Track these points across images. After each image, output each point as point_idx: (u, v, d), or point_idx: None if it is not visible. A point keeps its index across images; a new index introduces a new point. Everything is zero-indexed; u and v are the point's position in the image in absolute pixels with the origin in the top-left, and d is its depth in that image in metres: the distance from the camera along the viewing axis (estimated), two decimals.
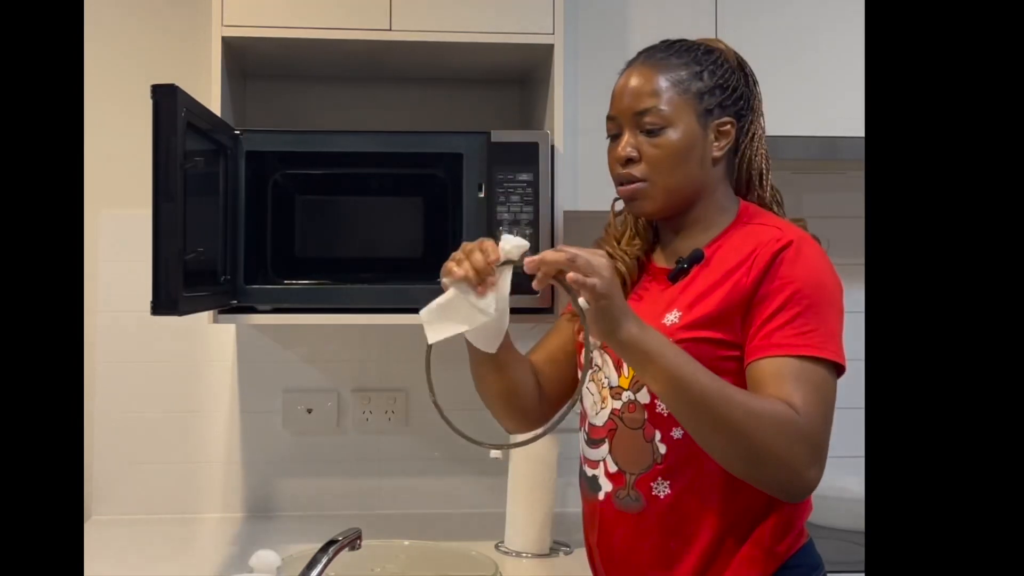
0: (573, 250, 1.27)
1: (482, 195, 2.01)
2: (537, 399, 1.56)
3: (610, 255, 1.47)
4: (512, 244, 1.32)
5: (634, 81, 1.47)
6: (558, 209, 2.05)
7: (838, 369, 1.34)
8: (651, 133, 1.45)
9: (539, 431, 1.40)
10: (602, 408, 1.48)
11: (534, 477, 2.11)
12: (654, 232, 1.56)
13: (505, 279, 1.33)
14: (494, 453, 1.40)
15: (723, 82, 1.47)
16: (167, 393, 2.38)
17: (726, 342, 1.37)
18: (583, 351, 1.37)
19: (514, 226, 2.01)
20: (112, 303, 2.36)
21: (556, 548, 2.13)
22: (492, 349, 1.43)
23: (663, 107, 1.44)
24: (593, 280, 1.24)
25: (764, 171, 1.52)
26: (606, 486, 1.46)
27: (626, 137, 1.47)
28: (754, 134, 1.51)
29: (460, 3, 2.05)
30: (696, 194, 1.47)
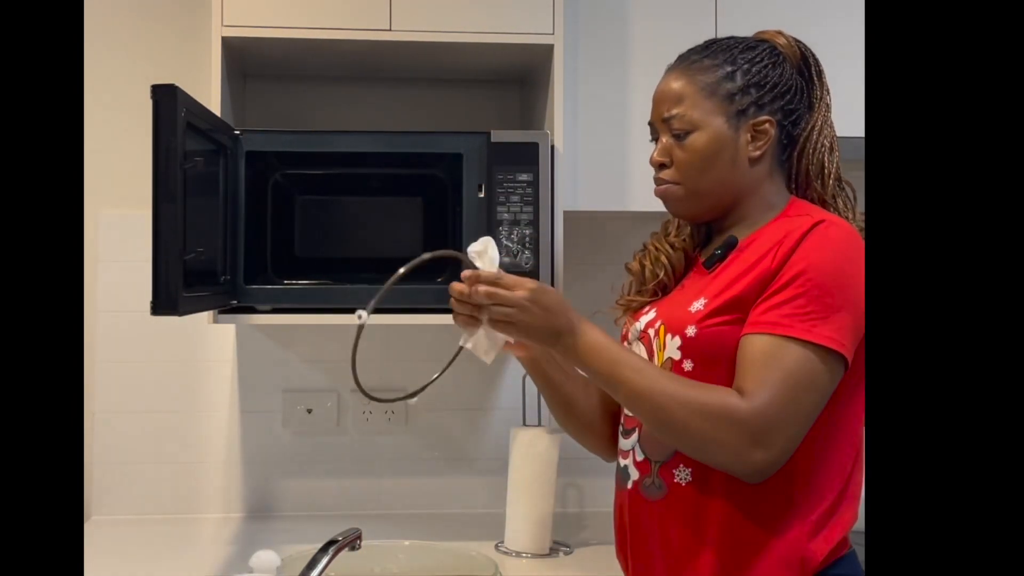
0: (492, 282, 1.38)
1: (482, 195, 2.01)
2: (598, 411, 1.59)
3: (656, 248, 1.56)
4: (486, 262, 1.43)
5: (665, 86, 1.49)
6: (558, 209, 2.05)
7: (833, 356, 1.32)
8: (679, 137, 1.46)
9: (411, 392, 1.48)
10: None
11: (534, 477, 2.11)
12: (707, 230, 1.56)
13: None
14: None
15: (759, 79, 1.46)
16: (167, 393, 2.38)
17: (743, 323, 1.37)
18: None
19: (514, 226, 2.01)
20: (112, 303, 2.36)
21: (556, 548, 2.13)
22: (488, 360, 1.45)
23: (689, 111, 1.45)
24: (507, 311, 1.36)
25: (825, 167, 1.49)
26: (634, 475, 1.47)
27: (661, 142, 1.50)
28: (813, 127, 1.49)
29: (460, 3, 2.05)
30: (735, 195, 1.47)
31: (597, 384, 1.42)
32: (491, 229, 2.00)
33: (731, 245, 1.46)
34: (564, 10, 2.08)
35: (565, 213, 2.09)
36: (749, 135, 1.45)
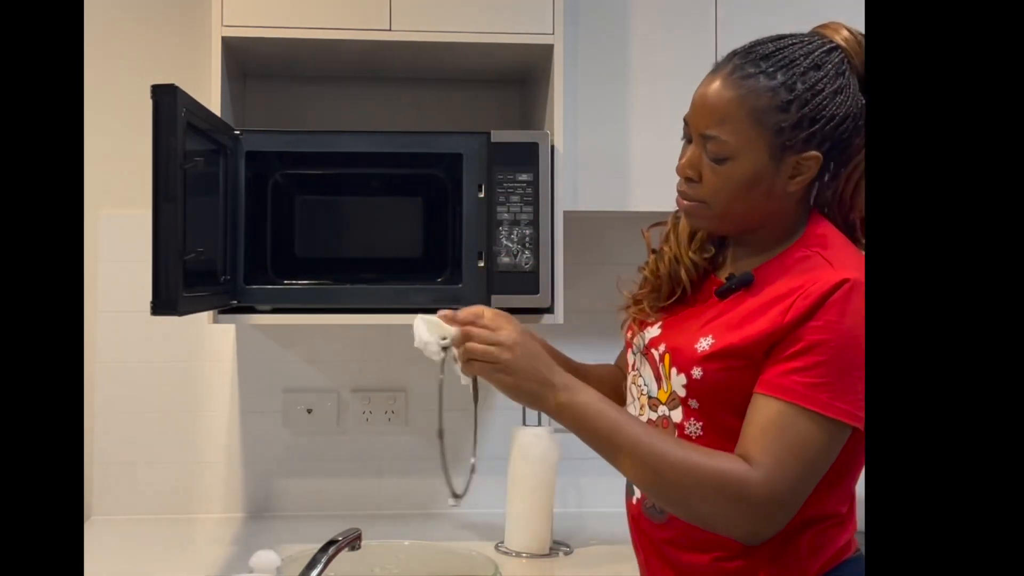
0: (470, 328, 1.33)
1: (482, 195, 2.01)
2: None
3: (676, 259, 1.45)
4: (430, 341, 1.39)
5: (708, 92, 1.35)
6: (558, 209, 2.05)
7: (844, 427, 1.27)
8: (716, 160, 1.34)
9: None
10: (640, 415, 1.46)
11: (534, 477, 2.11)
12: (721, 241, 1.48)
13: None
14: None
15: (815, 113, 1.31)
16: (167, 393, 2.38)
17: (749, 381, 1.32)
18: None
19: (514, 226, 2.01)
20: (112, 303, 2.36)
21: (556, 548, 2.13)
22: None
23: (732, 138, 1.31)
24: (491, 351, 1.31)
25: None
26: (637, 492, 1.46)
27: (691, 151, 1.37)
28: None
29: (460, 3, 2.05)
30: (762, 221, 1.38)
31: (592, 448, 1.33)
32: (491, 229, 2.00)
33: (746, 282, 1.36)
34: (564, 10, 2.08)
35: (565, 213, 2.09)
36: (790, 170, 1.33)
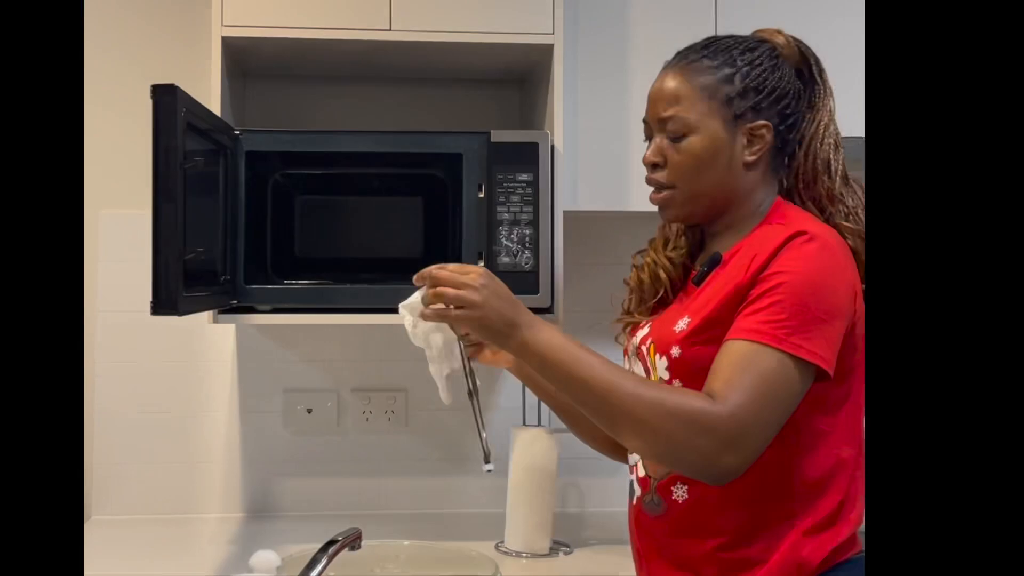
0: (435, 270, 1.38)
1: (482, 195, 2.01)
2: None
3: (654, 263, 1.53)
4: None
5: (662, 85, 1.46)
6: (558, 209, 2.05)
7: (805, 367, 1.29)
8: (675, 139, 1.44)
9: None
10: None
11: (534, 477, 2.11)
12: (701, 236, 1.54)
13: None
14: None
15: (758, 84, 1.43)
16: (167, 393, 2.38)
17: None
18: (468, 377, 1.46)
19: (514, 226, 2.01)
20: (112, 303, 2.36)
21: (556, 548, 2.13)
22: (443, 394, 1.49)
23: (686, 113, 1.42)
24: (461, 294, 1.34)
25: (832, 164, 1.47)
26: (637, 490, 1.48)
27: (655, 141, 1.47)
28: (819, 125, 1.47)
29: (460, 3, 2.05)
30: (727, 199, 1.45)
31: (555, 386, 1.36)
32: (491, 229, 2.00)
33: (716, 262, 1.44)
34: (564, 10, 2.08)
35: (565, 213, 2.09)
36: (745, 139, 1.43)
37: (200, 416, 2.40)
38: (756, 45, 1.48)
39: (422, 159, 2.04)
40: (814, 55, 1.52)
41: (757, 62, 1.45)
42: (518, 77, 2.39)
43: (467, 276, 1.36)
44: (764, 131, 1.43)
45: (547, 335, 1.34)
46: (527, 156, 2.01)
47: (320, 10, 2.04)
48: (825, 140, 1.47)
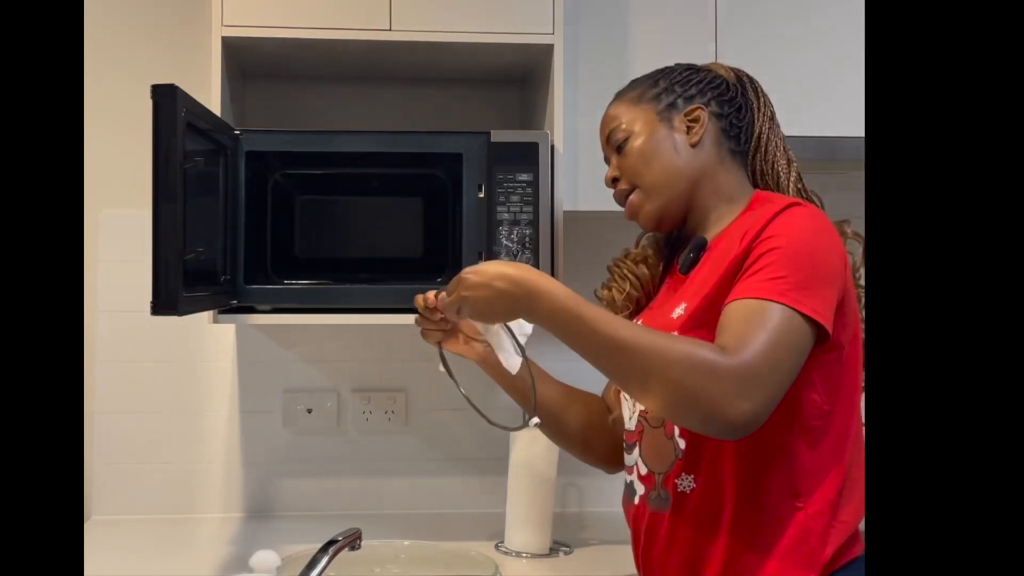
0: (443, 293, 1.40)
1: (482, 195, 2.01)
2: (586, 427, 1.63)
3: (617, 269, 1.61)
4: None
5: (606, 114, 1.59)
6: (558, 209, 2.05)
7: (809, 323, 1.30)
8: (620, 149, 1.54)
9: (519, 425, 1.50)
10: (633, 412, 1.51)
11: (534, 477, 2.11)
12: (678, 243, 1.59)
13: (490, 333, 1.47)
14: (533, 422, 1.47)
15: (681, 79, 1.54)
16: (167, 393, 2.38)
17: None
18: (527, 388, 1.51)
19: (514, 226, 2.01)
20: (112, 303, 2.36)
21: (556, 548, 2.13)
22: (511, 365, 1.47)
23: (623, 123, 1.54)
24: (461, 292, 1.36)
25: (781, 177, 1.52)
26: (640, 489, 1.48)
27: (612, 163, 1.57)
28: (760, 135, 1.54)
29: (460, 3, 2.05)
30: (687, 182, 1.50)
31: (565, 342, 1.33)
32: (491, 229, 2.00)
33: (701, 246, 1.48)
34: (564, 10, 2.08)
35: (565, 213, 2.09)
36: (684, 126, 1.51)
37: (200, 416, 2.40)
38: (677, 66, 1.59)
39: (422, 159, 2.04)
40: (749, 76, 1.59)
41: (679, 70, 1.57)
42: (518, 77, 2.39)
43: (455, 279, 1.39)
44: (699, 112, 1.51)
45: (548, 297, 1.31)
46: (527, 156, 2.01)
47: (320, 10, 2.04)
48: (770, 151, 1.53)
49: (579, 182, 2.15)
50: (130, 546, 2.17)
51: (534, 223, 2.01)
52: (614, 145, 1.55)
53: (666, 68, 1.59)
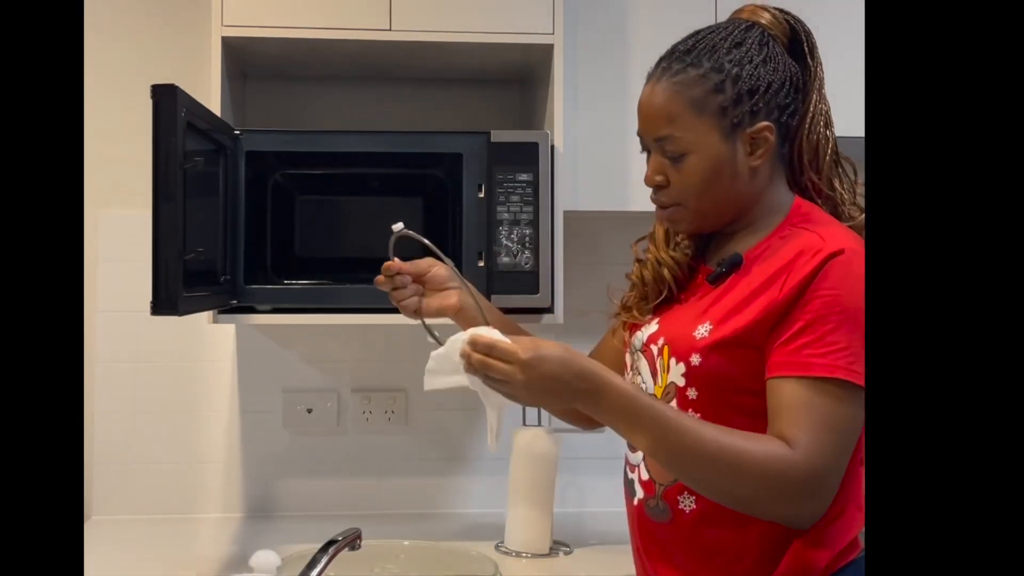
0: (480, 357, 1.27)
1: (482, 195, 2.01)
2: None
3: (657, 262, 1.48)
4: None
5: (651, 101, 1.40)
6: (558, 209, 2.05)
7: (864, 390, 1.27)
8: (674, 160, 1.38)
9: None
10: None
11: (534, 477, 2.11)
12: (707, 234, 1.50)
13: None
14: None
15: (752, 86, 1.36)
16: (167, 393, 2.38)
17: (750, 368, 1.33)
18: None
19: (514, 226, 2.01)
20: (112, 303, 2.36)
21: (556, 548, 2.13)
22: (491, 440, 1.40)
23: (682, 133, 1.36)
24: (501, 386, 1.27)
25: (820, 146, 1.42)
26: (639, 492, 1.45)
27: (653, 159, 1.42)
28: (807, 110, 1.41)
29: (460, 3, 2.05)
30: (739, 208, 1.41)
31: (624, 437, 1.32)
32: (491, 229, 2.00)
33: (736, 264, 1.39)
34: (564, 10, 2.08)
35: (565, 213, 2.09)
36: (748, 146, 1.37)
37: (200, 416, 2.40)
38: (743, 38, 1.39)
39: (422, 159, 2.04)
40: (804, 29, 1.44)
41: (746, 59, 1.37)
42: (518, 77, 2.39)
43: (508, 367, 1.26)
44: (766, 133, 1.37)
45: (609, 399, 1.26)
46: (527, 156, 2.01)
47: (320, 10, 2.04)
48: (816, 122, 1.42)
49: (579, 182, 2.15)
50: (130, 546, 2.17)
51: (534, 223, 2.01)
52: (667, 152, 1.38)
53: (728, 46, 1.37)
